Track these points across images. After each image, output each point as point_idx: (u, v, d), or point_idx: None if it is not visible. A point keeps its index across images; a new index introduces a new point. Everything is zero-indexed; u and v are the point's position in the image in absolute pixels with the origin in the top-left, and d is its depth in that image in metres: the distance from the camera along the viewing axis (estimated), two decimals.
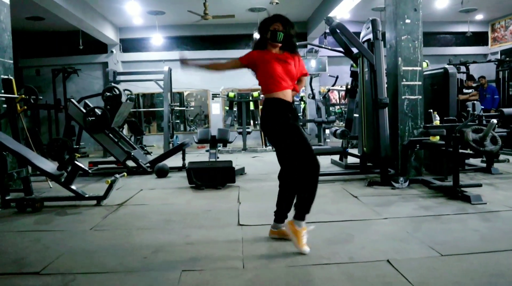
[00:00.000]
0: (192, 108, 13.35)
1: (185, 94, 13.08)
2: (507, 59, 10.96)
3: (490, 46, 12.48)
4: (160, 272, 2.58)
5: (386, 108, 5.46)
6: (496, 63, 10.99)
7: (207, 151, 10.44)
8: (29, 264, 2.80)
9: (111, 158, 8.55)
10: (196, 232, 3.46)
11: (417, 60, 5.57)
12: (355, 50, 5.95)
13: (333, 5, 9.11)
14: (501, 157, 6.66)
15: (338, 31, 5.71)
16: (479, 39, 12.51)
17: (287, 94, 3.02)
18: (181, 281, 2.43)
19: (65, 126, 9.10)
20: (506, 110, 5.90)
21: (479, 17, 11.71)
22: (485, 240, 3.02)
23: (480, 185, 4.70)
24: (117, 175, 4.74)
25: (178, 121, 12.89)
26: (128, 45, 12.02)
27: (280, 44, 3.02)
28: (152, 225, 3.75)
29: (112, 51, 11.84)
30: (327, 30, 6.13)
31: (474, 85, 10.14)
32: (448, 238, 3.09)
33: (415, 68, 5.57)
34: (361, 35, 5.96)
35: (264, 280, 2.43)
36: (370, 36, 5.59)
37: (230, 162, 5.58)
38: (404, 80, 5.54)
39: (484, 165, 6.10)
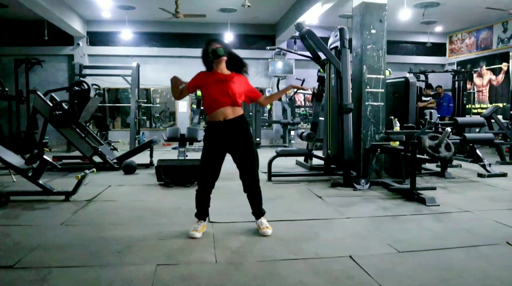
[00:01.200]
0: (158, 105, 13.29)
1: (151, 90, 12.99)
2: (463, 70, 11.60)
3: (447, 57, 13.15)
4: (135, 266, 2.68)
5: (351, 113, 5.73)
6: (453, 73, 11.61)
7: (173, 148, 10.49)
8: (1, 259, 2.82)
9: (76, 153, 8.43)
10: (168, 228, 3.56)
11: (380, 68, 5.86)
12: (322, 56, 6.19)
13: (302, 10, 9.35)
14: (454, 162, 7.14)
15: (307, 37, 5.94)
16: (437, 49, 13.15)
17: (220, 113, 3.25)
18: (157, 275, 2.54)
19: (29, 118, 8.87)
20: (459, 119, 6.31)
21: (439, 29, 12.33)
22: (438, 238, 3.31)
23: (434, 188, 5.03)
24: (86, 171, 4.75)
25: (145, 117, 12.78)
26: (95, 39, 11.80)
27: (224, 59, 3.24)
28: (123, 221, 3.82)
29: (78, 44, 11.59)
30: (296, 34, 6.32)
31: (432, 93, 10.67)
32: (405, 236, 3.35)
33: (378, 76, 5.86)
34: (329, 42, 6.21)
35: (236, 273, 2.58)
36: (338, 44, 5.85)
37: (199, 160, 5.67)
38: (368, 87, 5.81)
39: (439, 169, 6.50)
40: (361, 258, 2.80)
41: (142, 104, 11.06)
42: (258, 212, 3.48)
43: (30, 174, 4.65)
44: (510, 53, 10.63)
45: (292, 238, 3.27)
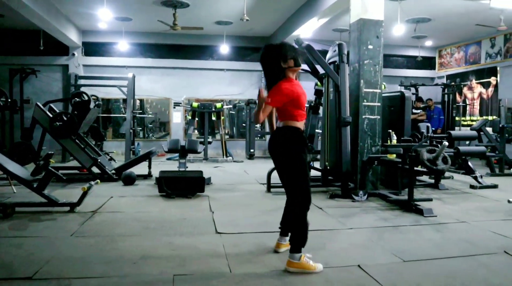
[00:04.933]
0: (150, 115, 13.33)
1: (144, 101, 13.04)
2: (452, 83, 11.90)
3: (437, 70, 13.47)
4: (153, 276, 2.76)
5: (348, 126, 5.88)
6: (442, 86, 11.91)
7: (168, 159, 10.55)
8: (18, 270, 2.88)
9: (71, 163, 8.47)
10: (178, 239, 3.64)
11: (377, 83, 6.04)
12: (321, 70, 6.36)
13: (298, 24, 9.54)
14: (447, 174, 7.33)
15: (307, 51, 6.09)
16: (427, 63, 13.45)
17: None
18: (175, 285, 2.62)
19: (26, 129, 8.84)
20: (453, 133, 6.53)
21: (429, 43, 12.63)
22: (439, 248, 3.45)
23: (430, 200, 5.20)
24: (92, 182, 4.81)
25: (140, 128, 12.81)
26: (90, 49, 11.83)
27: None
28: (132, 232, 3.88)
29: (73, 54, 11.61)
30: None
31: (422, 106, 10.95)
32: (408, 246, 3.49)
33: (375, 90, 6.03)
34: (327, 57, 6.38)
35: (252, 283, 2.68)
36: (336, 58, 6.03)
37: (201, 172, 5.77)
38: (365, 101, 5.98)
39: (432, 181, 6.68)
40: (369, 268, 2.92)
41: (137, 115, 11.12)
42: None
43: (35, 186, 4.68)
44: (498, 68, 10.96)
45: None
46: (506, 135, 8.64)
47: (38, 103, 6.83)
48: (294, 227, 2.96)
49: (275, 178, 6.48)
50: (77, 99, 6.83)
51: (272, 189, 6.12)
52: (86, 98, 6.88)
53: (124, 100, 12.10)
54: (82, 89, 9.82)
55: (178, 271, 2.85)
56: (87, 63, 11.83)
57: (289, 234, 3.07)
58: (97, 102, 7.71)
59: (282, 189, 5.99)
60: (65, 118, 6.77)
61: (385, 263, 3.06)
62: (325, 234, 3.88)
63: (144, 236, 3.75)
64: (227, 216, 4.53)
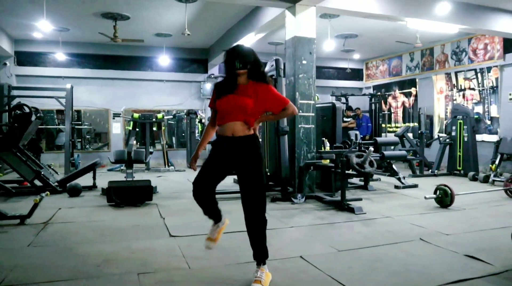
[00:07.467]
0: (88, 127, 13.12)
1: (82, 112, 12.83)
2: (378, 93, 13.01)
3: (364, 81, 14.59)
4: (119, 276, 3.02)
5: (286, 135, 6.40)
6: (370, 96, 12.97)
7: (108, 170, 10.52)
8: None
9: (8, 177, 8.27)
10: (135, 243, 3.89)
11: (311, 95, 6.62)
12: None
13: (235, 38, 10.00)
14: (375, 176, 8.11)
15: None
16: (356, 74, 14.52)
17: (227, 128, 2.91)
18: (141, 281, 2.91)
19: None
20: (379, 139, 7.29)
21: (356, 56, 13.69)
22: (367, 239, 4.02)
23: (360, 199, 5.84)
24: (42, 194, 4.88)
25: (79, 139, 12.57)
26: (24, 58, 11.48)
27: (241, 72, 2.84)
28: (89, 239, 4.07)
29: (5, 63, 11.21)
30: None
31: (352, 114, 11.89)
32: (342, 239, 4.03)
33: (309, 101, 6.61)
34: (265, 70, 6.87)
35: (210, 276, 3.04)
36: (274, 73, 6.55)
37: (149, 181, 6.00)
38: (300, 111, 6.53)
39: (362, 183, 7.38)
40: (310, 257, 3.39)
41: (75, 126, 10.96)
42: (257, 254, 3.00)
43: None
44: (417, 79, 12.16)
45: (249, 246, 3.76)
46: (425, 140, 9.69)
47: None
48: None
49: (220, 185, 6.86)
50: (18, 112, 6.75)
51: (216, 196, 6.44)
52: (27, 110, 6.82)
53: (58, 111, 11.89)
54: (16, 99, 9.58)
55: (141, 270, 3.13)
56: (20, 73, 11.46)
57: None
58: (38, 114, 7.62)
59: (226, 195, 6.50)
60: (4, 131, 6.68)
61: (323, 253, 3.55)
62: (269, 232, 4.21)
63: (102, 242, 3.95)
64: (178, 221, 4.83)
